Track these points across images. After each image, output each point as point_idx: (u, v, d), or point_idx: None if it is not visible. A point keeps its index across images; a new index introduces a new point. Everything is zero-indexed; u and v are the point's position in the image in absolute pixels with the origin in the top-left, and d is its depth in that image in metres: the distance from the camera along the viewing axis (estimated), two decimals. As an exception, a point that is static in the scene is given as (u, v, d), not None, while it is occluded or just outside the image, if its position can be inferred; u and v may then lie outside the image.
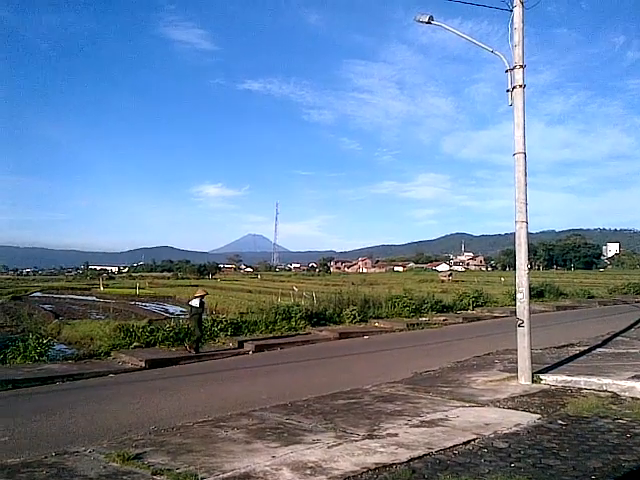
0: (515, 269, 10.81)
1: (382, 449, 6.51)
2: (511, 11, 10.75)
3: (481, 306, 31.03)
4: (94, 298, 53.20)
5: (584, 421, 7.68)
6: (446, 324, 24.30)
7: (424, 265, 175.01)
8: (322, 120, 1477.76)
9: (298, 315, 21.44)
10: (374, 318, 24.10)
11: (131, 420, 8.79)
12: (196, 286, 66.92)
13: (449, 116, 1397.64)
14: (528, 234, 10.63)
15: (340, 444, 6.75)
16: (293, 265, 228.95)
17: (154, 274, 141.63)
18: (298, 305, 22.78)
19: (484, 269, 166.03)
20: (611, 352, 14.35)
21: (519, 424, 7.57)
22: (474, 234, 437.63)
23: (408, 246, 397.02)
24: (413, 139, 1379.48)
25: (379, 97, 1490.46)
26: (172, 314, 32.47)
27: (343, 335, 20.11)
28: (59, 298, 54.44)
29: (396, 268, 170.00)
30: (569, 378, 10.57)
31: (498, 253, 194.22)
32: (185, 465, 6.00)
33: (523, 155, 10.58)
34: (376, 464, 5.94)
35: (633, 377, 10.33)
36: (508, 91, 10.82)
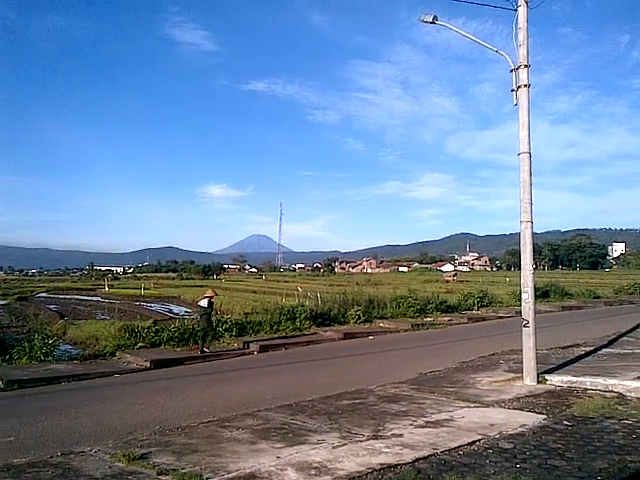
0: (520, 269, 10.79)
1: (387, 449, 6.50)
2: (515, 11, 10.72)
3: (486, 306, 30.98)
4: (99, 298, 53.28)
5: (590, 422, 7.65)
6: (451, 324, 24.26)
7: (429, 265, 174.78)
8: (326, 120, 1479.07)
9: (303, 315, 21.44)
10: (379, 318, 24.08)
11: (136, 420, 8.81)
12: (201, 286, 67.10)
13: (453, 116, 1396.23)
14: (533, 234, 10.60)
15: (345, 444, 6.75)
16: (297, 265, 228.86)
17: (159, 274, 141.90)
18: (303, 305, 22.77)
19: (489, 269, 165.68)
20: (617, 352, 14.29)
21: (524, 425, 7.55)
22: (479, 234, 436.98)
23: (413, 246, 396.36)
24: (417, 139, 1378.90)
25: (383, 97, 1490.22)
26: (177, 314, 32.51)
27: (348, 335, 20.09)
28: (64, 299, 54.60)
29: (401, 268, 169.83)
30: (575, 378, 10.54)
31: (503, 253, 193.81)
32: (190, 465, 6.01)
33: (528, 155, 10.56)
34: (381, 464, 5.94)
35: (639, 377, 10.29)
36: (513, 91, 10.79)
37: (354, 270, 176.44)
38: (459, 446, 6.61)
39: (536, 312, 10.66)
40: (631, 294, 43.93)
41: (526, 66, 10.64)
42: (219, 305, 23.99)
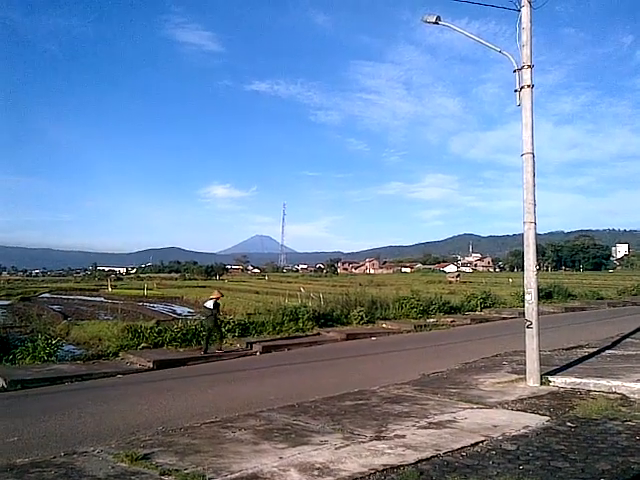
0: (523, 270, 10.77)
1: (390, 450, 6.50)
2: (519, 11, 10.71)
3: (489, 307, 30.96)
4: (102, 299, 53.38)
5: (593, 423, 7.63)
6: (454, 325, 24.24)
7: (432, 266, 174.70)
8: (329, 121, 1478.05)
9: (305, 316, 21.45)
10: (381, 319, 24.09)
11: (139, 420, 8.83)
12: (204, 287, 67.30)
13: (457, 116, 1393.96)
14: (536, 235, 10.58)
15: (347, 445, 6.75)
16: (300, 266, 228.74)
17: (162, 275, 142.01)
18: (305, 306, 22.79)
19: (492, 270, 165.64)
20: (620, 354, 14.26)
21: (528, 426, 7.53)
22: (482, 235, 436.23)
23: (415, 247, 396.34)
24: (421, 140, 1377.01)
25: (386, 98, 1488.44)
26: (180, 315, 32.54)
27: (350, 336, 20.10)
28: (67, 299, 54.74)
29: (403, 269, 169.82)
30: (578, 380, 10.52)
31: (506, 254, 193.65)
32: (193, 465, 6.01)
33: (531, 155, 10.54)
34: (384, 465, 5.93)
35: (643, 379, 10.26)
36: (516, 91, 10.78)
37: (357, 271, 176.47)
38: (462, 447, 6.60)
39: (539, 313, 10.63)
40: (635, 295, 43.79)
41: (529, 66, 10.62)
42: (222, 306, 23.96)
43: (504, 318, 27.13)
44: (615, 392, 9.71)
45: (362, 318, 23.36)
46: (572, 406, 8.73)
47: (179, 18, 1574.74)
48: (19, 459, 6.54)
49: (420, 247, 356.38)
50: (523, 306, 10.90)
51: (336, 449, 6.60)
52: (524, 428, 7.44)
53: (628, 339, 17.49)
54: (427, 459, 6.17)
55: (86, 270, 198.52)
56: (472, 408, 8.83)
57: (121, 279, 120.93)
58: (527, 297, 10.52)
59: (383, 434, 7.26)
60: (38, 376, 12.48)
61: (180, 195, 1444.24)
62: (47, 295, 62.88)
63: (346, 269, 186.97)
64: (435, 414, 8.38)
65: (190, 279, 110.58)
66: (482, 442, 6.81)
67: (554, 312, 30.53)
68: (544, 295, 33.62)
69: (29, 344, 14.96)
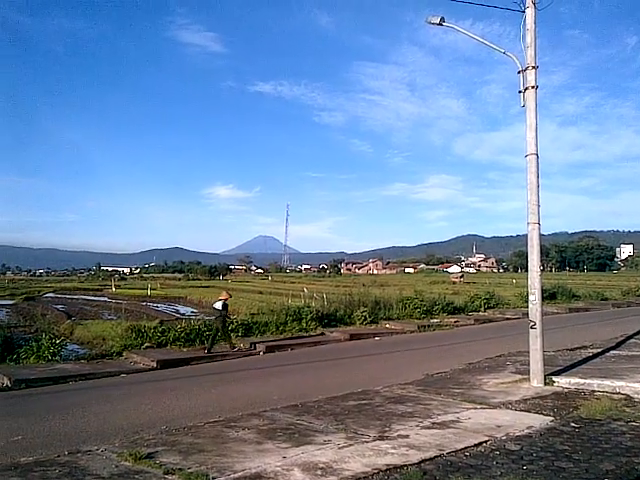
0: (527, 271, 10.75)
1: (393, 450, 6.50)
2: (523, 12, 10.69)
3: (493, 308, 30.89)
4: (106, 299, 53.44)
5: (597, 424, 7.62)
6: (457, 326, 24.21)
7: (435, 267, 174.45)
8: (333, 122, 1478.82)
9: (309, 316, 21.45)
10: (385, 319, 24.07)
11: (143, 420, 8.84)
12: (207, 287, 67.34)
13: (461, 117, 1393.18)
14: (540, 236, 10.58)
15: (351, 445, 6.75)
16: (304, 266, 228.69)
17: (165, 275, 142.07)
18: (309, 306, 22.79)
19: (496, 271, 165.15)
20: (625, 354, 14.22)
21: (531, 426, 7.52)
22: (486, 236, 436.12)
23: (419, 247, 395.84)
24: (424, 141, 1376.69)
25: (390, 99, 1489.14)
26: (183, 315, 32.57)
27: (354, 336, 20.09)
28: (71, 299, 54.78)
29: (407, 270, 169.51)
30: (582, 380, 10.50)
31: (510, 255, 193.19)
32: (196, 465, 6.02)
33: (535, 156, 10.52)
34: (387, 465, 5.93)
35: (647, 380, 10.23)
36: (520, 92, 10.77)
37: (360, 271, 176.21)
38: (465, 447, 6.59)
39: (543, 314, 10.63)
40: (639, 296, 43.64)
41: (534, 67, 10.61)
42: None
43: (508, 319, 27.08)
44: (619, 392, 9.68)
45: (365, 318, 23.34)
46: (576, 406, 8.71)
47: (183, 19, 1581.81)
48: (23, 458, 6.56)
49: (424, 248, 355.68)
50: (527, 307, 10.89)
51: (339, 449, 6.60)
52: (528, 428, 7.43)
53: (632, 340, 17.43)
54: (430, 459, 6.16)
55: (90, 270, 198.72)
56: (476, 408, 8.82)
57: (125, 279, 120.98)
58: (531, 298, 10.50)
59: (386, 434, 7.25)
60: (42, 375, 12.51)
61: (183, 195, 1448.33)
62: (51, 295, 62.95)
63: (349, 269, 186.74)
64: (438, 414, 8.37)
65: (193, 279, 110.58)
66: (486, 442, 6.80)
67: (558, 313, 30.47)
68: (548, 296, 33.54)
69: (33, 343, 15.00)
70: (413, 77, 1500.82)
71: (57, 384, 12.12)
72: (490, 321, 26.29)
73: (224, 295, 17.42)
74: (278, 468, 5.89)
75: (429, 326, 23.07)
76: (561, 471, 5.70)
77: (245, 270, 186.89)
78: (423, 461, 6.09)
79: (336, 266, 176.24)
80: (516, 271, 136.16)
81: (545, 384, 10.39)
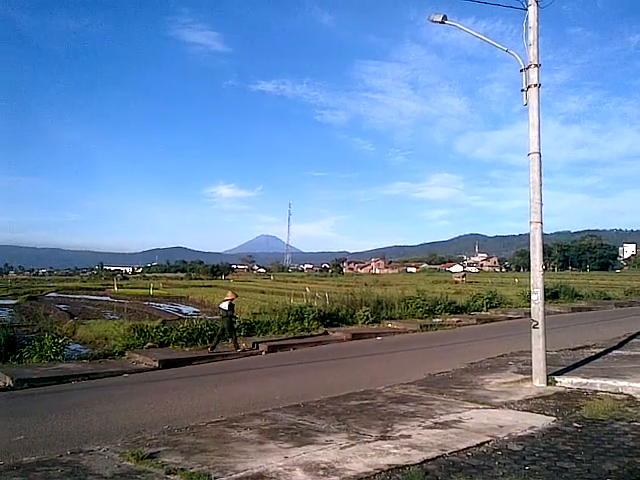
0: (530, 270, 10.74)
1: (395, 450, 6.49)
2: (526, 10, 10.67)
3: (495, 307, 30.87)
4: (108, 298, 53.39)
5: (599, 424, 7.60)
6: (460, 325, 24.20)
7: (437, 266, 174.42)
8: (335, 121, 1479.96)
9: (311, 316, 21.45)
10: (387, 319, 24.06)
11: (145, 419, 8.85)
12: (209, 286, 67.34)
13: (463, 116, 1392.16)
14: (543, 235, 10.54)
15: (353, 445, 6.74)
16: (306, 266, 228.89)
17: (168, 274, 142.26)
18: (311, 306, 22.79)
19: (498, 270, 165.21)
20: (627, 354, 14.19)
21: (534, 426, 7.51)
22: (488, 235, 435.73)
23: (421, 247, 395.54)
24: (426, 139, 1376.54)
25: (392, 97, 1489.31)
26: (186, 315, 32.57)
27: (356, 336, 20.09)
28: (74, 298, 54.74)
29: (409, 269, 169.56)
30: (584, 380, 10.47)
31: (512, 254, 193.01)
32: (198, 465, 6.02)
33: (538, 155, 10.50)
34: (389, 465, 5.93)
35: (650, 380, 10.21)
36: (523, 90, 10.74)
37: (362, 271, 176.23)
38: (467, 447, 6.58)
39: (545, 313, 10.59)
40: (642, 295, 43.55)
41: (536, 66, 10.58)
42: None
43: (510, 318, 27.05)
44: (622, 392, 9.66)
45: (368, 318, 23.34)
46: (578, 406, 8.70)
47: (185, 18, 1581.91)
48: (25, 458, 6.57)
49: (426, 247, 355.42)
50: (529, 306, 10.86)
51: (341, 449, 6.59)
52: (530, 428, 7.41)
53: (635, 339, 17.40)
54: (433, 459, 6.16)
55: (92, 269, 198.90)
56: (478, 408, 8.80)
57: (127, 278, 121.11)
58: (533, 297, 10.48)
59: (388, 434, 7.25)
60: (45, 375, 12.53)
61: (185, 195, 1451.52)
62: (54, 294, 62.91)
63: (352, 269, 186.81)
64: (441, 414, 8.36)
65: (196, 279, 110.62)
66: (488, 442, 6.79)
67: (561, 312, 30.43)
68: (550, 295, 33.51)
69: (36, 343, 15.03)
70: (415, 75, 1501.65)
71: (59, 384, 12.13)
72: (492, 321, 26.27)
73: (230, 295, 17.46)
74: (280, 468, 5.89)
75: (431, 326, 23.05)
76: (563, 471, 5.69)
77: (247, 269, 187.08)
78: (425, 461, 6.08)
79: (338, 265, 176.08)
80: (518, 270, 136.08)
81: (547, 384, 10.37)
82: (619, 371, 11.37)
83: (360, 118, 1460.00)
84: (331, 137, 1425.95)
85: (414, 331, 21.96)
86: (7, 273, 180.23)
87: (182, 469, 5.85)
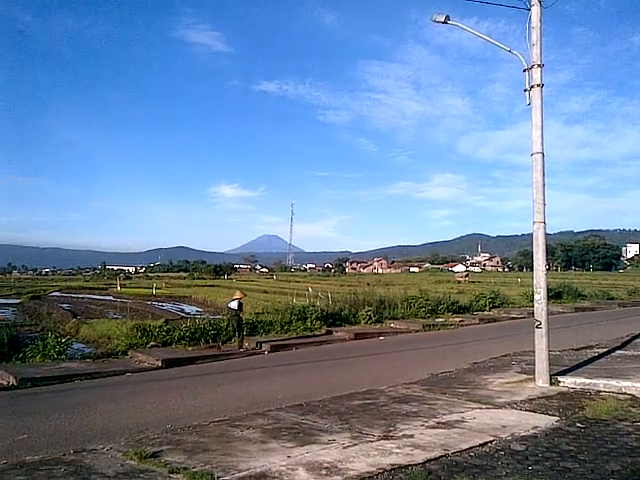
0: (533, 270, 10.72)
1: (398, 450, 6.49)
2: (529, 10, 10.65)
3: (498, 307, 30.84)
4: (111, 298, 53.49)
5: (603, 424, 7.59)
6: (462, 325, 24.17)
7: (440, 266, 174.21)
8: (338, 121, 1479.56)
9: (313, 316, 21.44)
10: (390, 319, 24.04)
11: (148, 419, 8.86)
12: (212, 286, 67.39)
13: (466, 116, 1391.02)
14: (546, 235, 10.53)
15: (356, 445, 6.74)
16: (308, 266, 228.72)
17: (170, 274, 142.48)
18: (313, 306, 22.78)
19: (501, 270, 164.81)
20: (631, 354, 14.16)
21: (537, 426, 7.50)
22: (491, 235, 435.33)
23: (424, 247, 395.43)
24: (429, 139, 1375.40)
25: (395, 97, 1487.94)
26: (188, 314, 32.62)
27: (359, 336, 20.08)
28: (77, 297, 54.86)
29: (412, 269, 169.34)
30: (588, 380, 10.45)
31: (515, 254, 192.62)
32: (201, 464, 6.03)
33: (541, 155, 10.48)
34: (392, 465, 5.92)
35: (653, 380, 10.18)
36: (526, 91, 10.73)
37: (365, 270, 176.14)
38: (470, 447, 6.57)
39: (549, 313, 10.59)
40: (645, 296, 43.45)
41: (539, 66, 10.57)
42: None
43: (513, 318, 27.02)
44: (625, 393, 9.64)
45: (370, 318, 23.33)
46: (582, 407, 8.68)
47: (189, 19, 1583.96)
48: (29, 457, 6.58)
49: (428, 247, 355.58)
50: (532, 306, 10.84)
51: (344, 448, 6.59)
52: (533, 428, 7.40)
53: (638, 339, 17.36)
54: (435, 459, 6.15)
55: (95, 269, 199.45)
56: (481, 408, 8.79)
57: (130, 278, 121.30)
58: (536, 297, 10.47)
59: (391, 434, 7.24)
60: (48, 374, 12.55)
61: (188, 195, 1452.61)
62: (57, 294, 63.05)
63: (354, 269, 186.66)
64: (443, 414, 8.36)
65: (198, 278, 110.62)
66: (491, 442, 6.78)
67: (564, 312, 30.38)
68: (554, 295, 33.46)
69: (39, 342, 15.05)
70: (418, 76, 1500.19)
71: (63, 383, 12.15)
72: (495, 320, 26.24)
73: (238, 294, 17.57)
74: (283, 467, 5.89)
75: (434, 325, 23.03)
76: (567, 471, 5.68)
77: (250, 269, 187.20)
78: (428, 461, 6.08)
79: (341, 265, 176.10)
80: (521, 270, 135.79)
81: (551, 384, 10.35)
82: (622, 371, 11.35)
83: (363, 118, 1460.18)
84: (334, 137, 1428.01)
85: (417, 331, 21.94)
86: (10, 272, 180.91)
87: (185, 468, 5.86)
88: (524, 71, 10.73)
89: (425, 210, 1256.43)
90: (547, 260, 10.89)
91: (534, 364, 10.61)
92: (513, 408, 8.78)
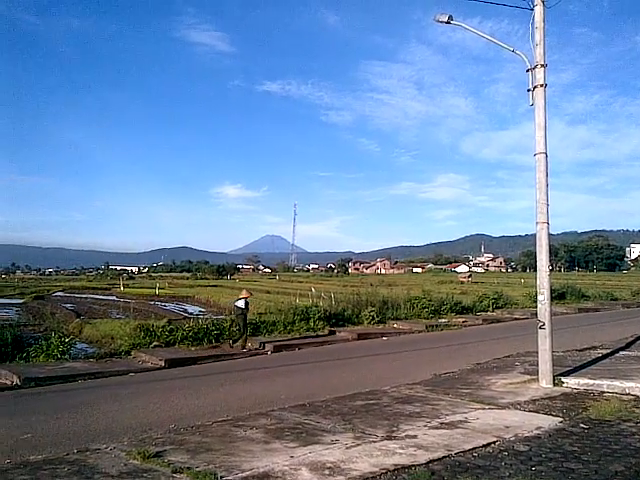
0: (536, 270, 10.70)
1: (401, 450, 6.48)
2: (532, 10, 10.64)
3: (501, 308, 30.78)
4: (114, 298, 53.60)
5: (606, 425, 7.57)
6: (465, 326, 24.14)
7: (443, 266, 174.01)
8: (340, 121, 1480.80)
9: (316, 316, 21.42)
10: (393, 319, 24.02)
11: (151, 418, 8.87)
12: (215, 286, 67.44)
13: (469, 116, 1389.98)
14: (549, 235, 10.52)
15: (359, 445, 6.74)
16: (311, 266, 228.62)
17: (173, 274, 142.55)
18: (316, 306, 22.76)
19: (504, 270, 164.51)
20: (634, 355, 14.12)
21: (540, 427, 7.48)
22: (494, 235, 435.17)
23: (427, 247, 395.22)
24: (432, 139, 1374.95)
25: (398, 98, 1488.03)
26: (191, 314, 32.64)
27: (361, 336, 20.07)
28: (80, 297, 54.96)
29: (415, 269, 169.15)
30: (591, 381, 10.43)
31: (518, 254, 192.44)
32: (204, 464, 6.03)
33: (544, 155, 10.47)
34: (395, 465, 5.92)
35: (657, 381, 10.15)
36: (529, 91, 10.71)
37: (368, 271, 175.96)
38: (474, 448, 6.57)
39: (552, 314, 10.57)
40: (649, 296, 43.28)
41: (543, 66, 10.55)
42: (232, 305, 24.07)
43: (516, 319, 26.97)
44: (629, 393, 9.62)
45: (373, 318, 23.31)
46: (585, 407, 8.66)
47: (191, 19, 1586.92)
48: (32, 456, 6.59)
49: (431, 247, 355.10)
50: (535, 307, 10.83)
51: (347, 448, 6.59)
52: (537, 429, 7.39)
53: (642, 340, 17.30)
54: (438, 459, 6.15)
55: (99, 269, 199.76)
56: (484, 409, 8.78)
57: (133, 278, 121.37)
58: (540, 297, 10.45)
59: (394, 434, 7.24)
60: (51, 374, 12.57)
61: (191, 195, 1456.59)
62: (60, 294, 63.17)
63: (357, 269, 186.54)
64: (447, 414, 8.35)
65: (201, 278, 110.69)
66: (494, 443, 6.77)
67: (567, 313, 30.31)
68: (557, 296, 33.37)
69: (43, 342, 15.08)
70: (421, 76, 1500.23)
71: (66, 383, 12.17)
72: (498, 321, 26.20)
73: (245, 293, 17.66)
74: (286, 467, 5.89)
75: (437, 326, 23.01)
76: (570, 472, 5.67)
77: (253, 269, 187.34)
78: (431, 461, 6.07)
79: (344, 265, 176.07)
80: (525, 271, 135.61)
81: (554, 385, 10.33)
82: (626, 372, 11.32)
83: (365, 118, 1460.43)
84: (336, 137, 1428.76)
85: (420, 331, 21.92)
86: (14, 272, 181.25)
87: (188, 468, 5.86)
88: (527, 71, 10.72)
89: (428, 210, 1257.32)
90: (550, 261, 10.87)
91: (537, 365, 10.60)
92: (516, 409, 8.77)
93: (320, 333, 20.26)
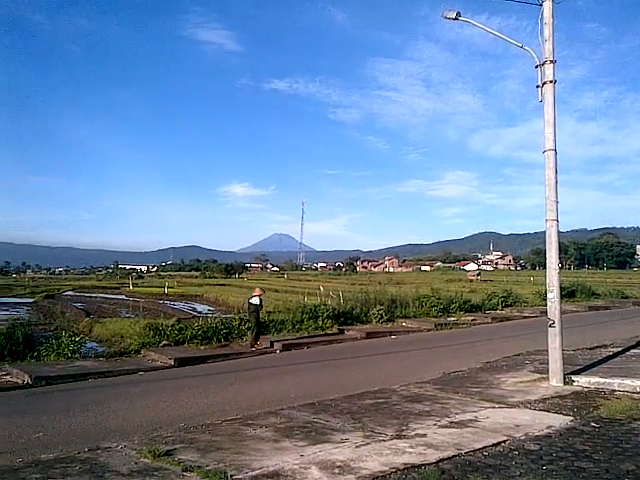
0: (545, 268, 10.64)
1: (411, 449, 6.47)
2: (541, 5, 10.57)
3: (510, 306, 30.61)
4: (124, 297, 53.76)
5: (617, 423, 7.52)
6: (475, 324, 24.04)
7: (452, 264, 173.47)
8: (348, 119, 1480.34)
9: (325, 314, 21.42)
10: (401, 318, 23.96)
11: (161, 417, 8.91)
12: (223, 285, 67.59)
13: (477, 113, 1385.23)
14: (559, 233, 10.45)
15: (368, 444, 6.73)
16: (319, 264, 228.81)
17: (182, 273, 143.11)
18: (325, 304, 22.73)
19: (513, 268, 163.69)
20: (645, 353, 14.01)
21: (551, 426, 7.45)
22: (503, 233, 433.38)
23: (435, 245, 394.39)
24: (440, 137, 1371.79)
25: (405, 95, 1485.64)
26: (200, 313, 32.71)
27: (370, 335, 20.05)
28: (90, 297, 55.16)
29: (423, 267, 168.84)
30: (602, 380, 10.36)
31: (527, 252, 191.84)
32: (214, 462, 6.05)
33: (553, 152, 10.41)
34: (405, 464, 5.91)
35: (669, 379, 10.07)
36: (538, 87, 10.65)
37: (376, 269, 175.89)
38: (484, 447, 6.54)
39: (562, 312, 10.50)
40: (660, 294, 42.92)
41: (552, 62, 10.48)
42: (242, 304, 24.10)
43: (526, 317, 26.82)
44: (640, 392, 9.55)
45: (382, 316, 23.26)
46: (596, 406, 8.61)
47: (198, 17, 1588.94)
48: (44, 455, 6.64)
49: (440, 245, 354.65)
50: (545, 305, 10.77)
51: (357, 447, 6.59)
52: (547, 428, 7.35)
53: (653, 338, 17.17)
54: (448, 458, 6.13)
55: (108, 268, 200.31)
56: (494, 407, 8.75)
57: (142, 277, 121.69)
58: (549, 295, 10.39)
59: (404, 433, 7.23)
60: (62, 373, 12.66)
61: (199, 194, 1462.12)
62: (70, 293, 63.44)
63: (365, 267, 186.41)
64: (456, 413, 8.33)
65: (210, 277, 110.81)
66: (504, 442, 6.75)
67: (577, 311, 30.12)
68: (567, 294, 33.15)
69: (53, 341, 15.18)
70: (429, 73, 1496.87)
71: (76, 381, 12.25)
72: (508, 319, 26.08)
73: (258, 291, 17.80)
74: (295, 466, 5.90)
75: (446, 324, 22.93)
76: (581, 471, 5.64)
77: (261, 268, 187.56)
78: (441, 460, 6.06)
79: (352, 264, 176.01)
80: (534, 269, 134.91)
81: (564, 383, 10.28)
82: (637, 370, 11.24)
83: (373, 116, 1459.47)
84: (344, 135, 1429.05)
85: (428, 330, 21.86)
86: (25, 272, 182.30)
87: (198, 466, 5.89)
88: (536, 67, 10.65)
89: (436, 208, 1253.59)
90: (560, 258, 10.80)
91: (547, 363, 10.54)
92: (527, 407, 8.73)
93: (329, 332, 20.27)
